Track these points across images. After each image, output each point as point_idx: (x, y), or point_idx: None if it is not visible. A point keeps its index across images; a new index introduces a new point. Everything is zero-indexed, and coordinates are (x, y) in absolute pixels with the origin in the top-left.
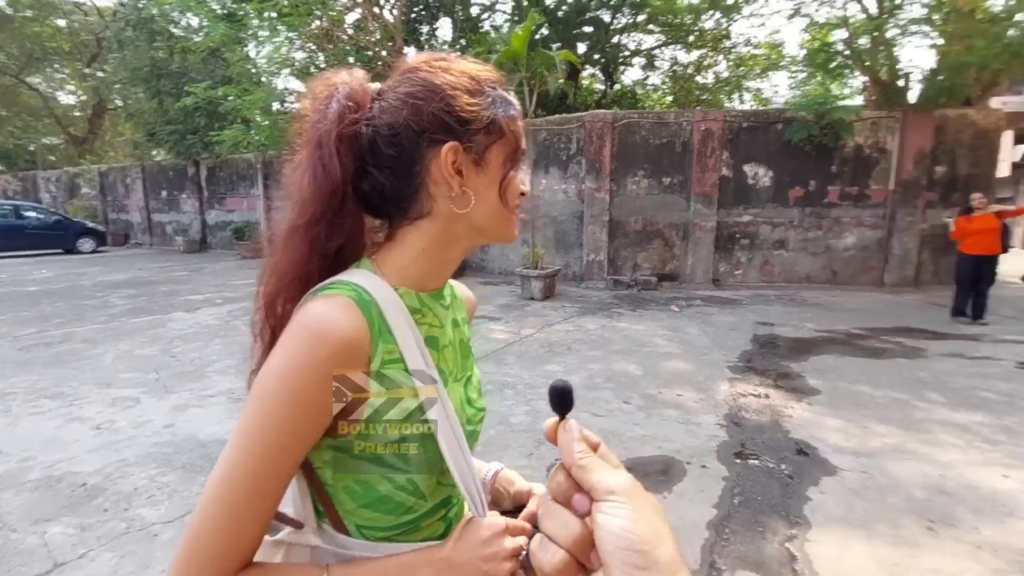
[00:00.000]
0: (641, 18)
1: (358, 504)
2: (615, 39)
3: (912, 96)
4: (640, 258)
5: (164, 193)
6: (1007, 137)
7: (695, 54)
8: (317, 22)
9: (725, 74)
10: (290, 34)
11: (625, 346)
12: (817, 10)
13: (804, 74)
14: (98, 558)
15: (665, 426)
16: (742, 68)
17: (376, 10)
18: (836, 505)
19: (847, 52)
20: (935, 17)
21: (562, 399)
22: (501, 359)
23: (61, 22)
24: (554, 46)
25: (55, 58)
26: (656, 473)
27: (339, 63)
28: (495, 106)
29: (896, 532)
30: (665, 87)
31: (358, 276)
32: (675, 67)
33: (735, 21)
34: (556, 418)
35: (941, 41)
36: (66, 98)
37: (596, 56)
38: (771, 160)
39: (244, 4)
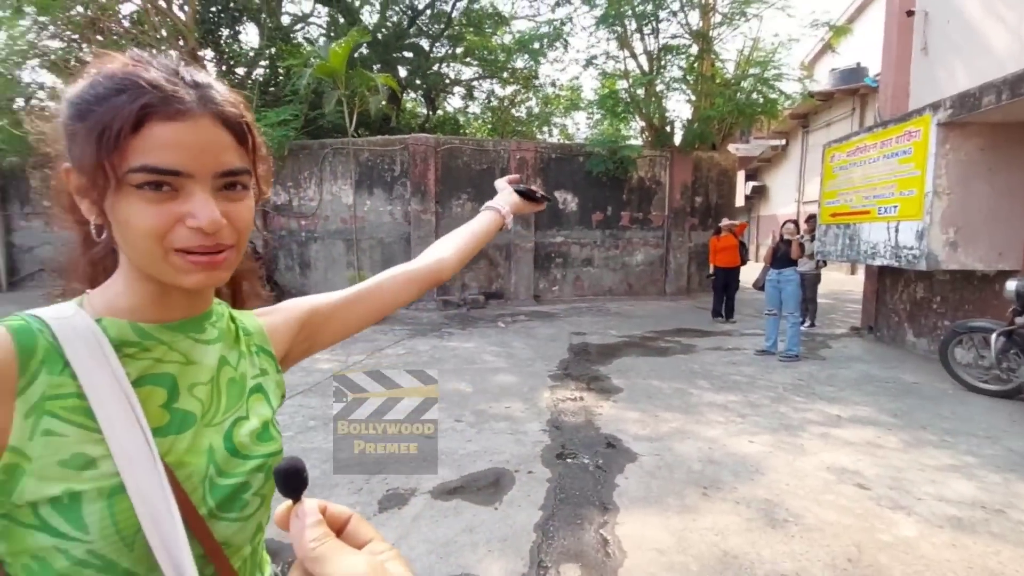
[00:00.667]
0: (459, 50)
1: None
2: (436, 67)
3: (677, 139)
4: (468, 278)
5: None
6: (741, 176)
7: (509, 89)
8: (80, 8)
9: (536, 110)
10: (41, 18)
11: (456, 364)
12: (605, 62)
13: (597, 116)
14: None
15: (495, 439)
16: (549, 106)
17: (163, 3)
18: (637, 487)
19: (628, 100)
20: (688, 78)
21: (290, 481)
22: (326, 391)
23: None
24: (375, 67)
25: None
26: (488, 486)
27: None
28: (85, 114)
29: (681, 501)
30: (485, 117)
31: (49, 308)
32: (492, 99)
33: (540, 64)
34: (288, 503)
35: (693, 97)
36: None
37: (418, 81)
38: (576, 188)
39: None
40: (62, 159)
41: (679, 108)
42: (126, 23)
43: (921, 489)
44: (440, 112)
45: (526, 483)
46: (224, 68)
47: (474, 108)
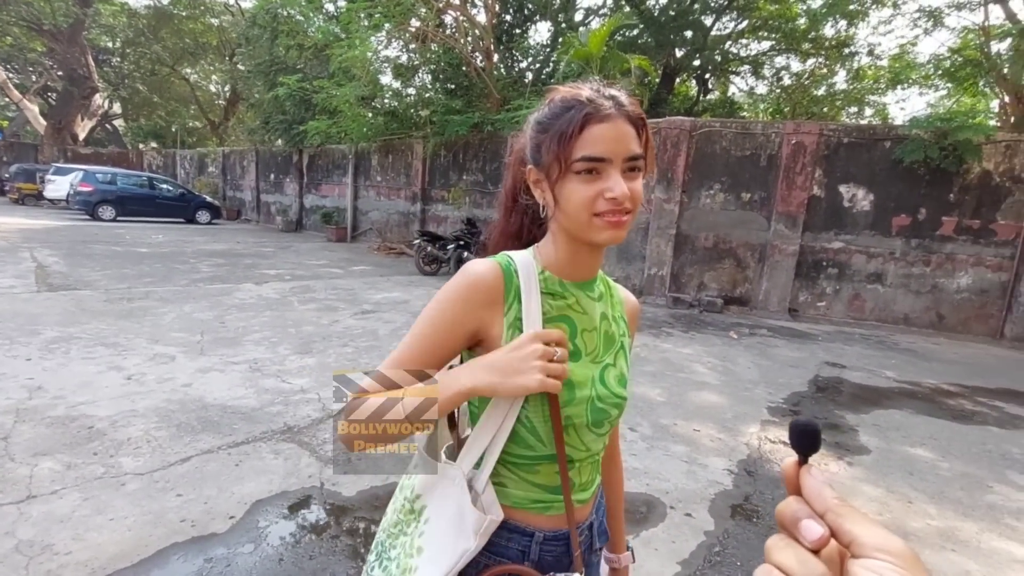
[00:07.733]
0: (747, 23)
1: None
2: (723, 44)
3: None
4: (707, 277)
5: (272, 176)
6: None
7: (809, 63)
8: (415, 21)
9: (842, 85)
10: (388, 27)
11: (658, 368)
12: (948, 14)
13: (938, 88)
14: (66, 496)
15: (664, 462)
16: (861, 80)
17: (472, 12)
18: None
19: (984, 62)
20: None
21: (807, 439)
22: None
23: (214, 20)
24: (653, 50)
25: (205, 52)
26: (628, 511)
27: (429, 62)
28: (547, 128)
29: None
30: (773, 96)
31: (517, 253)
32: (782, 76)
33: (858, 26)
34: (794, 458)
35: None
36: (213, 88)
37: (696, 63)
38: (874, 182)
39: (352, 4)
40: (524, 164)
41: None
42: (447, 31)
43: None
44: (716, 94)
45: (678, 525)
46: (510, 62)
47: (761, 88)
